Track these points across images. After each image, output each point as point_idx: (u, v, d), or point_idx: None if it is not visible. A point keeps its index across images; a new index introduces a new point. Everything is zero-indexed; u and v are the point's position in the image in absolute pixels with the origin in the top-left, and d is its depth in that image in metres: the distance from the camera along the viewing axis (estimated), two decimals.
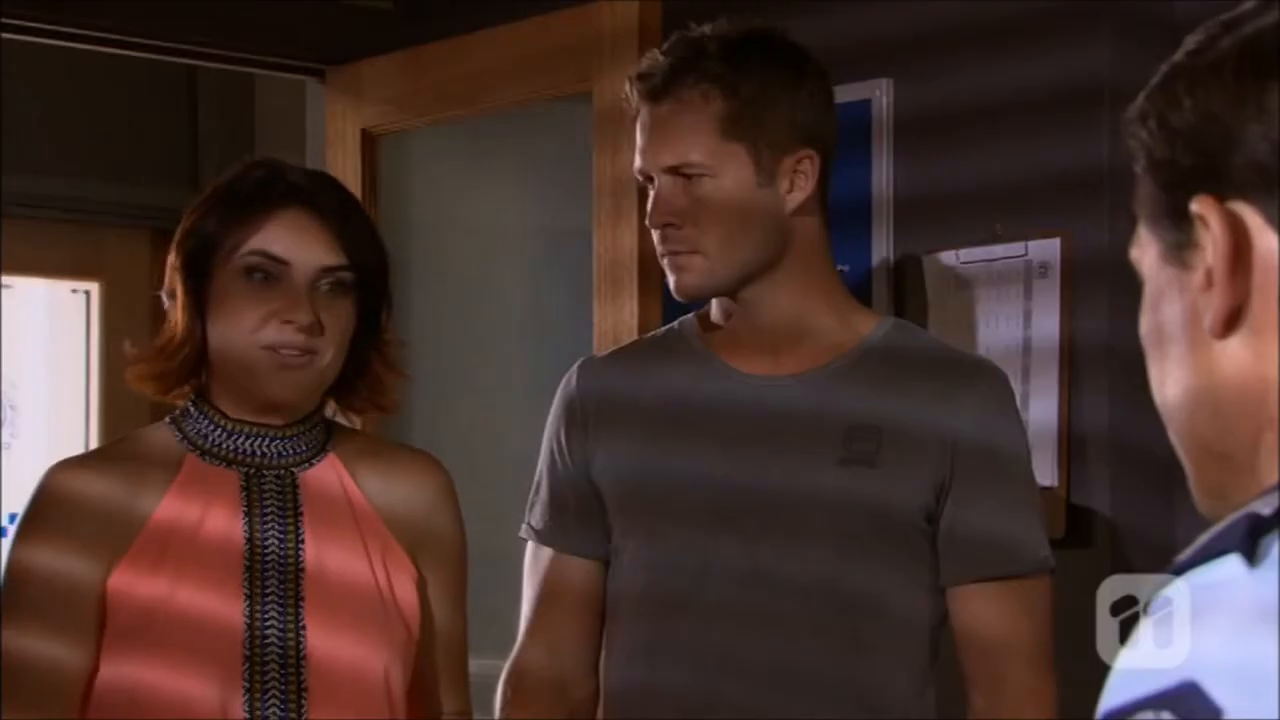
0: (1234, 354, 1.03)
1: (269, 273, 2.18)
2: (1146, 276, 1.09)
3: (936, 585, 2.34)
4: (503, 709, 2.45)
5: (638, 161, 2.38)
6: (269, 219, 2.19)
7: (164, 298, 2.26)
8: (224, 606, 2.14)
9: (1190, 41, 1.06)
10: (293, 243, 2.19)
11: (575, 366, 2.50)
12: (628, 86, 2.39)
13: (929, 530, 2.32)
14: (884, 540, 2.31)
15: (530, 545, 2.49)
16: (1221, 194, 1.02)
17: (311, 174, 2.30)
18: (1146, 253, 1.09)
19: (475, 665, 2.42)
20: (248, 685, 2.13)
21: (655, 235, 2.37)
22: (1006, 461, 2.34)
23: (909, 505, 2.31)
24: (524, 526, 2.49)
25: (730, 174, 2.33)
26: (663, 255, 2.37)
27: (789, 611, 2.30)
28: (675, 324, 2.49)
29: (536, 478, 2.49)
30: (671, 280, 2.37)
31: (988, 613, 2.32)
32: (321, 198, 2.23)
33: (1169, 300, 1.07)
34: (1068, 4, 2.91)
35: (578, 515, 2.44)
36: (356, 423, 2.41)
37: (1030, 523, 2.34)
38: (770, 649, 2.30)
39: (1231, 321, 1.02)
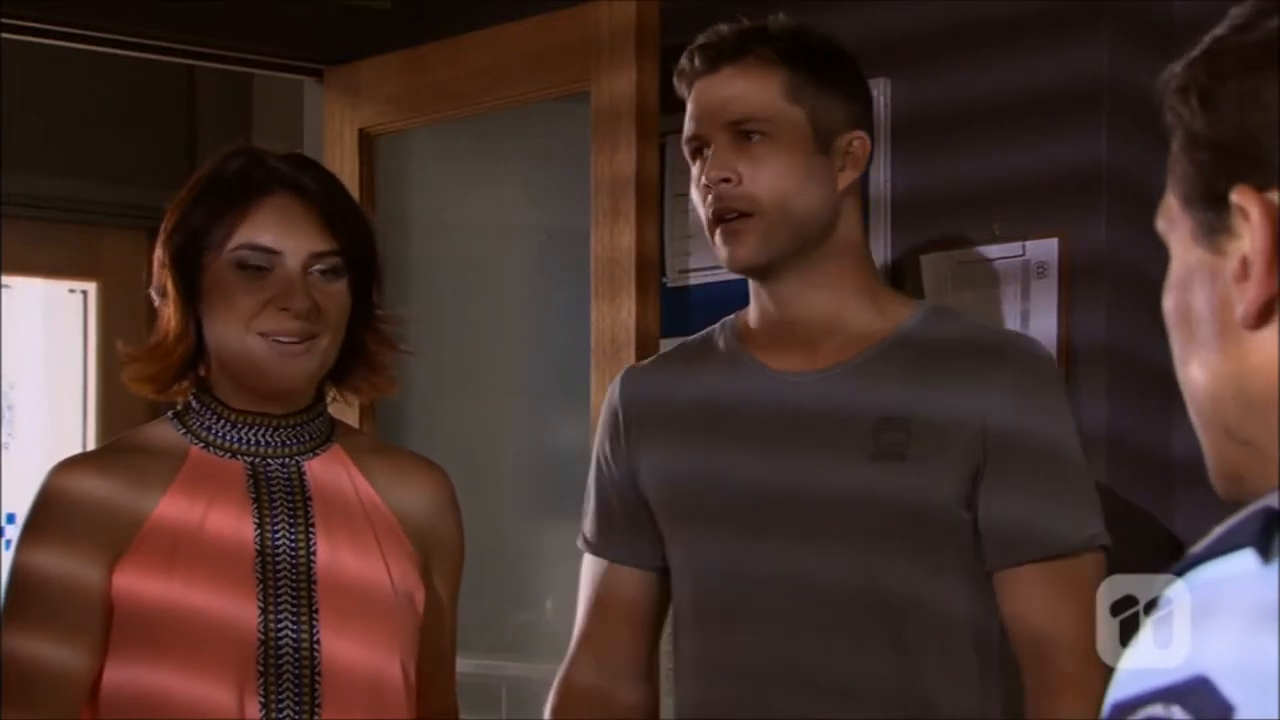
0: (1265, 345, 1.02)
1: (261, 265, 2.17)
2: (1174, 252, 1.08)
3: (985, 573, 2.27)
4: (549, 717, 2.46)
5: (690, 129, 2.34)
6: (254, 208, 2.17)
7: (154, 295, 2.24)
8: (238, 609, 2.13)
9: (1237, 14, 1.03)
10: (281, 231, 2.17)
11: (619, 376, 2.49)
12: (685, 61, 2.36)
13: (969, 518, 2.25)
14: (922, 534, 2.24)
15: (586, 555, 2.49)
16: (1262, 183, 1.01)
17: (291, 158, 2.26)
18: (1176, 228, 1.07)
19: (473, 665, 2.42)
20: (262, 688, 2.12)
21: (706, 200, 2.32)
22: (1041, 439, 2.26)
23: (943, 495, 2.24)
24: (579, 537, 2.49)
25: (789, 135, 2.30)
26: (714, 223, 2.31)
27: (830, 616, 2.25)
28: (716, 325, 2.46)
29: (587, 489, 2.49)
30: (723, 253, 2.32)
31: (1030, 597, 2.24)
32: (305, 181, 2.20)
33: (1199, 283, 1.05)
34: (1067, 4, 2.90)
35: (625, 525, 2.43)
36: (352, 416, 2.40)
37: (1072, 500, 2.26)
38: (816, 654, 2.25)
39: (1265, 314, 1.01)
